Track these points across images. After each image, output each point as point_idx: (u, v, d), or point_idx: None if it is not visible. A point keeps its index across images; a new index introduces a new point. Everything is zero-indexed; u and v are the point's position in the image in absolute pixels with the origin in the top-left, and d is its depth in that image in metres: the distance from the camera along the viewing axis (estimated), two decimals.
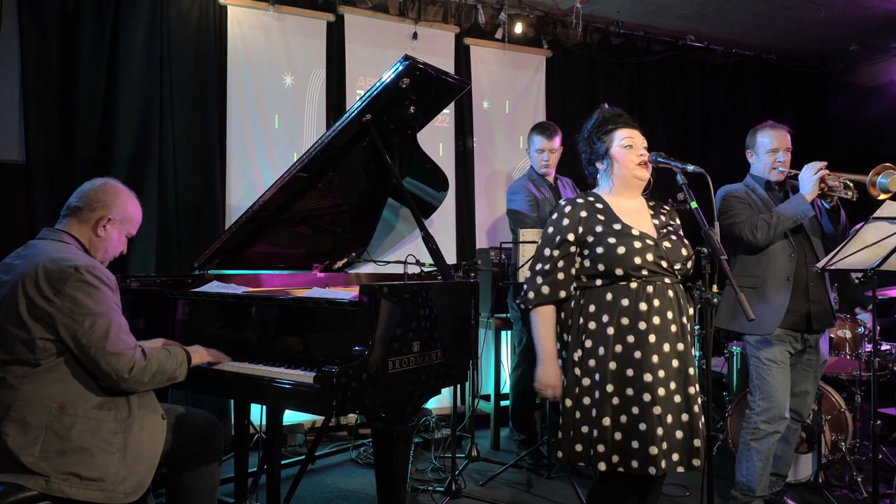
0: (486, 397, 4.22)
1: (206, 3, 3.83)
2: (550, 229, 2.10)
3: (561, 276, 2.06)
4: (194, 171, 3.77)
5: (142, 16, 3.63)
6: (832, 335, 3.48)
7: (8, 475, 1.73)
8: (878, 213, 2.43)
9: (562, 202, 2.13)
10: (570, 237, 2.05)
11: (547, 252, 2.08)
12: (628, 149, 2.10)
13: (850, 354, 3.44)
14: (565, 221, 2.07)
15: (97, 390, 1.83)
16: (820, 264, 2.58)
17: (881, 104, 5.45)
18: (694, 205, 2.03)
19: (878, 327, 2.98)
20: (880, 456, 3.19)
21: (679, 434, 1.98)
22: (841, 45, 5.37)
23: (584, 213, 2.07)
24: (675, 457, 1.97)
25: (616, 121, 2.13)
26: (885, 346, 3.59)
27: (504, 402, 4.07)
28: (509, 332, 4.17)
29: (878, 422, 2.67)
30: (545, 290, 2.06)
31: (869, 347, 3.36)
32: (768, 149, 2.82)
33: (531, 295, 2.08)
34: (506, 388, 4.18)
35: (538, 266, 2.09)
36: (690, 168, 2.04)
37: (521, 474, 3.47)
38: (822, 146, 5.64)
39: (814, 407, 3.09)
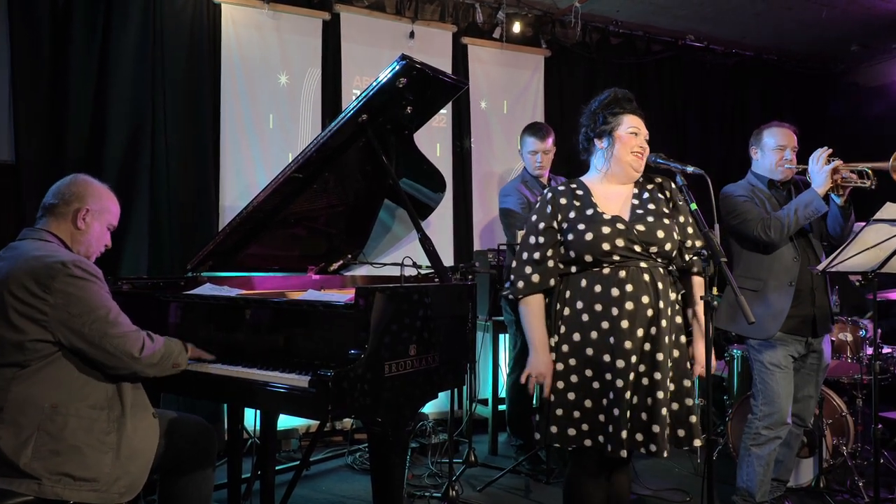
0: (484, 401, 4.21)
1: (200, 2, 3.82)
2: (534, 217, 2.14)
3: (550, 263, 2.09)
4: (187, 171, 3.77)
5: (134, 14, 3.63)
6: (833, 338, 3.49)
7: (1, 479, 1.73)
8: (878, 215, 2.43)
9: (546, 191, 2.18)
10: (554, 224, 2.10)
11: (532, 240, 2.11)
12: (633, 135, 2.13)
13: (852, 358, 3.45)
14: (548, 209, 2.12)
15: (90, 390, 1.84)
16: (821, 266, 2.59)
17: (882, 105, 5.47)
18: (693, 206, 2.04)
19: (879, 330, 2.99)
20: (882, 460, 3.20)
21: (644, 416, 2.02)
22: (842, 46, 5.39)
23: (563, 200, 2.12)
24: (639, 437, 2.02)
25: (627, 105, 2.16)
26: (886, 350, 3.60)
27: (502, 407, 4.07)
28: (507, 336, 4.18)
29: (880, 426, 2.68)
30: (535, 278, 2.09)
31: (870, 351, 3.37)
32: (775, 146, 2.79)
33: (521, 284, 2.10)
34: (504, 392, 4.18)
35: (525, 255, 2.11)
36: (690, 169, 2.06)
37: (520, 480, 3.47)
38: (821, 147, 5.66)
39: (815, 411, 3.10)
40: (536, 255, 2.09)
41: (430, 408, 4.15)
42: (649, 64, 5.23)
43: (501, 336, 4.14)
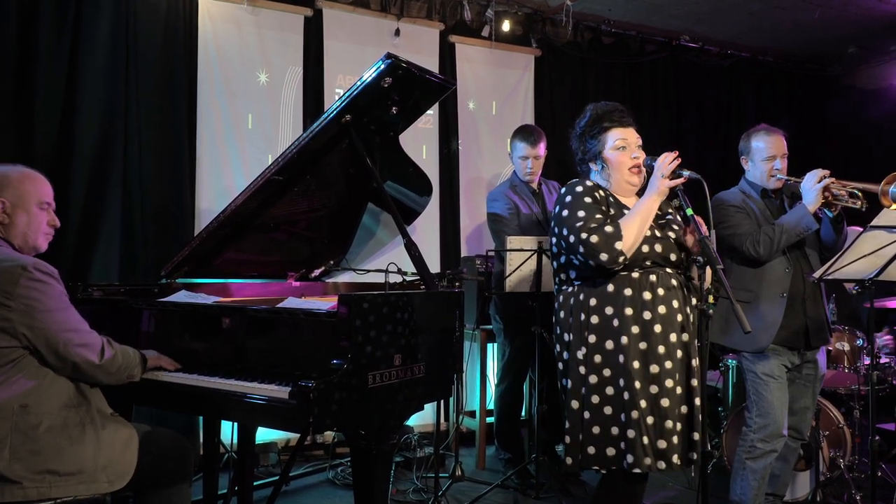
0: (472, 413, 4.22)
1: None
2: (582, 210, 2.07)
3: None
4: (162, 172, 3.75)
5: (106, 8, 3.61)
6: (829, 348, 3.54)
7: None
8: (875, 222, 2.48)
9: (576, 188, 2.14)
10: (603, 208, 2.10)
11: (583, 214, 2.06)
12: (621, 151, 2.15)
13: (849, 368, 3.50)
14: (588, 199, 2.10)
15: (56, 389, 1.87)
16: (817, 274, 2.63)
17: (880, 108, 5.56)
18: (689, 211, 2.06)
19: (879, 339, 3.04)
20: (879, 473, 3.24)
21: (678, 426, 2.04)
22: (839, 47, 5.48)
23: (600, 193, 2.13)
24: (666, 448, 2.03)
25: (610, 118, 2.17)
26: (883, 360, 3.65)
27: (490, 419, 4.08)
28: (495, 345, 4.19)
29: (877, 437, 2.72)
30: (609, 229, 2.01)
31: (867, 361, 3.42)
32: (765, 156, 2.84)
33: (618, 246, 1.99)
34: (492, 403, 4.19)
35: (592, 231, 2.02)
36: (686, 173, 2.08)
37: (508, 495, 3.47)
38: (819, 150, 5.74)
39: (811, 423, 3.14)
40: (609, 226, 2.02)
41: (415, 420, 4.14)
42: (643, 64, 5.29)
43: (490, 346, 4.15)
